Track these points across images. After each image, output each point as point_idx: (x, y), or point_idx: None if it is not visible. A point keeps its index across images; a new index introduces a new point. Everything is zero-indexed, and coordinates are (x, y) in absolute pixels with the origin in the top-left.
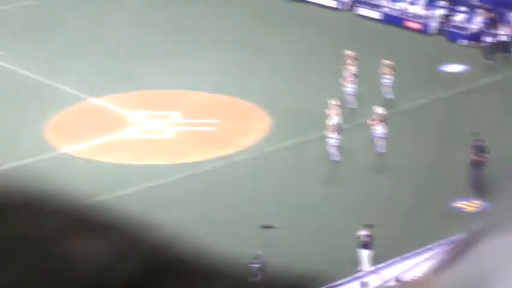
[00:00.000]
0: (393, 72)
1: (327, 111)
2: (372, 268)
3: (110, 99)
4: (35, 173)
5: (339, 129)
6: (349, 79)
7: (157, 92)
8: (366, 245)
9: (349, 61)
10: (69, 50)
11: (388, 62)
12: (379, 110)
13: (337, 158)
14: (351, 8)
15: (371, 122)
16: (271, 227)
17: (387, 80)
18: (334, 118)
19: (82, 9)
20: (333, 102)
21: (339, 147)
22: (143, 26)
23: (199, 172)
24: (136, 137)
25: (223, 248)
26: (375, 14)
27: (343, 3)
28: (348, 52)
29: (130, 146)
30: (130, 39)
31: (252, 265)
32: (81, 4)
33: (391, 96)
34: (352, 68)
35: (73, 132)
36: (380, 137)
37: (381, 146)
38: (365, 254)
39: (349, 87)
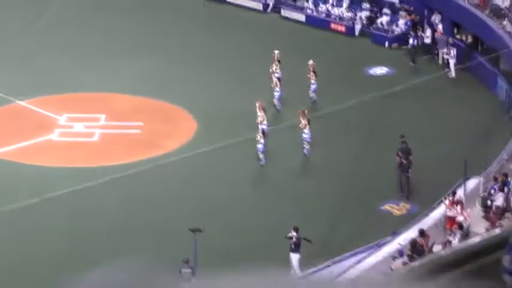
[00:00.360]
0: (317, 75)
1: (256, 114)
2: (302, 273)
3: (35, 101)
4: None
5: (264, 133)
6: (275, 82)
7: (83, 94)
8: (295, 248)
9: (274, 64)
10: None
11: (312, 63)
12: (305, 113)
13: (263, 162)
14: (276, 10)
15: (298, 126)
16: (199, 230)
17: (312, 83)
18: (259, 122)
19: (5, 9)
20: (258, 105)
21: (264, 151)
22: (70, 28)
23: (125, 175)
24: (62, 139)
25: (151, 252)
26: (299, 16)
27: (268, 5)
28: (274, 54)
29: (56, 149)
30: (56, 41)
31: (183, 269)
32: (5, 3)
33: (315, 98)
34: (277, 71)
35: None
36: (306, 141)
37: (306, 149)
38: (295, 258)
39: (275, 91)
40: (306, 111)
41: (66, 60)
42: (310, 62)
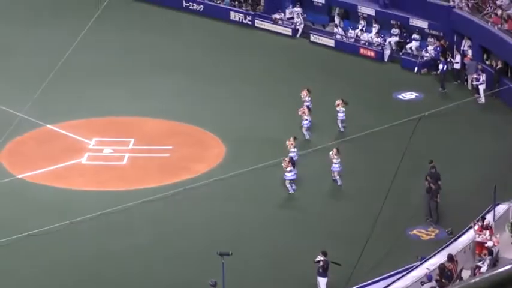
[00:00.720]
0: (345, 105)
1: (286, 144)
2: None
3: (65, 125)
4: None
5: (293, 162)
6: (306, 111)
7: (112, 118)
8: (322, 272)
9: (304, 94)
10: (23, 74)
11: (340, 102)
12: (335, 146)
13: (292, 191)
14: (305, 35)
15: (330, 155)
16: (227, 254)
17: (340, 113)
18: (289, 151)
19: (33, 32)
20: (291, 139)
21: (293, 181)
22: (95, 50)
23: (154, 198)
24: (92, 163)
25: (180, 275)
26: (329, 41)
27: (297, 30)
28: (304, 87)
29: (86, 172)
30: (84, 64)
31: None
32: (32, 27)
33: (343, 129)
34: (307, 100)
35: (29, 159)
36: (336, 170)
37: (337, 178)
38: (322, 282)
39: (304, 119)
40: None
41: (95, 82)
42: (338, 101)
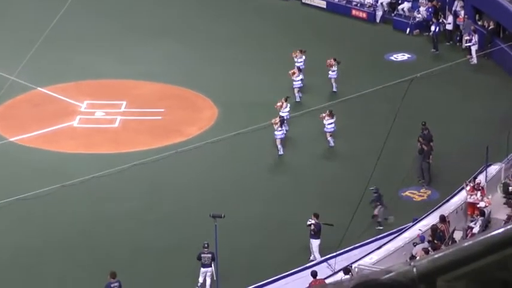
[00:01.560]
0: (338, 64)
1: (277, 105)
2: (322, 257)
3: (56, 88)
4: None
5: (283, 122)
6: (296, 72)
7: (103, 81)
8: (314, 234)
9: (296, 54)
10: (13, 38)
11: (332, 60)
12: (327, 109)
13: (281, 152)
14: None
15: (320, 116)
16: (220, 216)
17: (332, 72)
18: (280, 111)
19: None
20: (281, 97)
21: (283, 140)
22: (89, 14)
23: (146, 161)
24: (83, 126)
25: (172, 237)
26: (320, 3)
27: None
28: (295, 50)
29: (78, 135)
30: (75, 27)
31: (203, 254)
32: None
33: (335, 89)
34: (299, 61)
35: (21, 122)
36: (329, 131)
37: (330, 139)
38: (315, 244)
39: (296, 80)
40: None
41: (86, 46)
42: (329, 61)
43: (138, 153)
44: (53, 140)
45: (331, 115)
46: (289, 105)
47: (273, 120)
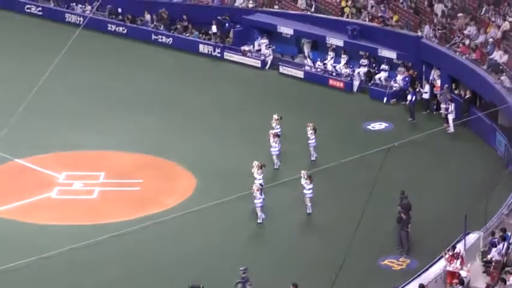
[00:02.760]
0: (316, 131)
1: (251, 170)
2: None
3: (33, 159)
4: None
5: (262, 190)
6: (274, 139)
7: (82, 152)
8: None
9: (273, 122)
10: None
11: (310, 125)
12: (305, 172)
13: (261, 220)
14: (274, 66)
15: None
16: (199, 287)
17: (311, 140)
18: (257, 179)
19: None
20: (257, 162)
21: (262, 208)
22: (65, 87)
23: (124, 232)
24: (61, 197)
25: None
26: (298, 73)
27: (266, 62)
28: (274, 115)
29: (56, 207)
30: (52, 99)
31: None
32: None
33: (313, 156)
34: (276, 128)
35: None
36: (309, 197)
37: (309, 206)
38: None
39: (274, 148)
40: (305, 171)
41: (63, 118)
42: (309, 124)
43: (117, 224)
44: (30, 212)
45: (310, 180)
46: (263, 172)
47: (254, 187)
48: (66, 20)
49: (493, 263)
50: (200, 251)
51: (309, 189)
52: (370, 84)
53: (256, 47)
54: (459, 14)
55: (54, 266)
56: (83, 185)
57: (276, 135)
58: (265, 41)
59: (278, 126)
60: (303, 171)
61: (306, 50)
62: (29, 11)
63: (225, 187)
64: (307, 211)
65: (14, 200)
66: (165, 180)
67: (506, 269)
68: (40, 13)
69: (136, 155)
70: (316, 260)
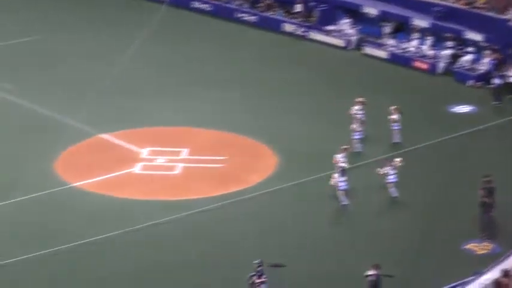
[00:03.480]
0: (401, 115)
1: (335, 155)
2: None
3: (118, 134)
4: (43, 207)
5: (345, 172)
6: (357, 123)
7: (165, 128)
8: (374, 286)
9: (357, 105)
10: (76, 85)
11: (394, 106)
12: (394, 158)
13: (345, 202)
14: (358, 47)
15: (379, 170)
16: (280, 266)
17: (395, 123)
18: (341, 161)
19: (86, 45)
20: (341, 145)
21: (346, 191)
22: (150, 63)
23: (207, 209)
24: (144, 172)
25: (231, 285)
26: (381, 54)
27: (350, 42)
28: (357, 98)
29: (138, 182)
30: (137, 76)
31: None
32: (85, 40)
33: (398, 140)
34: (359, 112)
35: (82, 167)
36: (391, 182)
37: (393, 190)
38: None
39: (357, 131)
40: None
41: (148, 93)
42: (394, 106)
43: (199, 200)
44: (114, 186)
45: (392, 165)
46: (346, 155)
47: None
48: None
49: None
50: (281, 230)
51: (392, 174)
52: (454, 66)
53: (341, 27)
54: None
55: (135, 241)
56: (166, 161)
57: (360, 119)
58: (348, 20)
59: (361, 111)
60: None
61: (388, 30)
62: None
63: (306, 166)
64: (392, 195)
65: (98, 174)
66: (247, 158)
67: None
68: None
69: (219, 132)
70: (398, 243)
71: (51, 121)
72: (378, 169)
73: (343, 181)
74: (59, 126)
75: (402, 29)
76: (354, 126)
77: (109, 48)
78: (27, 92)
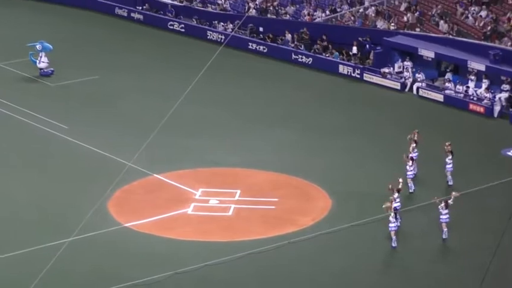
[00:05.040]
0: (454, 156)
1: (388, 196)
2: None
3: (172, 175)
4: (95, 246)
5: (397, 213)
6: (410, 162)
7: (219, 169)
8: None
9: (410, 145)
10: (131, 124)
11: (448, 147)
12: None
13: (395, 244)
14: (414, 89)
15: (436, 200)
16: None
17: (448, 165)
18: (393, 202)
19: (141, 84)
20: (392, 185)
21: (396, 231)
22: (204, 102)
23: (259, 250)
24: (197, 213)
25: None
26: (437, 96)
27: (406, 84)
28: (410, 135)
29: (192, 223)
30: (191, 115)
31: None
32: (140, 79)
33: (451, 181)
34: (413, 152)
35: (135, 207)
36: (444, 222)
37: (444, 231)
38: None
39: (409, 171)
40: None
41: (202, 134)
42: (447, 143)
43: (252, 242)
44: (166, 227)
45: (446, 205)
46: (399, 195)
47: (386, 205)
48: (208, 37)
49: None
50: (331, 272)
51: (445, 214)
52: (511, 109)
53: (397, 69)
54: None
55: (188, 282)
56: (219, 202)
57: (412, 158)
58: (408, 63)
59: (415, 150)
60: (438, 198)
61: (448, 74)
62: (172, 27)
63: (360, 209)
64: (443, 236)
65: (151, 214)
66: (300, 200)
67: None
68: (182, 30)
69: (271, 173)
70: (451, 286)
71: (106, 160)
72: (435, 198)
73: (395, 222)
74: (113, 165)
75: (458, 72)
76: (408, 166)
77: (164, 87)
78: (82, 131)
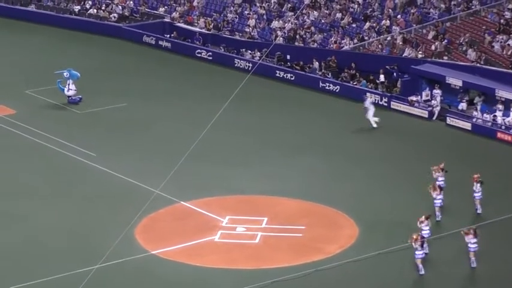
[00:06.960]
0: (482, 185)
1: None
2: None
3: (199, 202)
4: (122, 274)
5: (424, 241)
6: (437, 191)
7: (245, 197)
8: None
9: (437, 173)
10: (159, 151)
11: (477, 176)
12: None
13: (422, 272)
14: (441, 117)
15: (464, 233)
16: None
17: (477, 193)
18: (423, 230)
19: (168, 111)
20: (421, 216)
21: (423, 260)
22: (231, 129)
23: (285, 278)
24: (224, 241)
25: None
26: (465, 124)
27: (433, 112)
28: (437, 165)
29: (219, 250)
30: (219, 142)
31: None
32: (167, 106)
33: (479, 210)
34: (441, 180)
35: (162, 234)
36: (473, 251)
37: (472, 260)
38: None
39: (437, 199)
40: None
41: (228, 161)
42: (476, 175)
43: (279, 270)
44: (194, 254)
45: (475, 234)
46: (429, 223)
47: (413, 236)
48: (235, 65)
49: None
50: None
51: (474, 242)
52: None
53: (424, 97)
54: None
55: None
56: (246, 230)
57: (439, 187)
58: (438, 91)
59: (442, 178)
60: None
61: (478, 102)
62: (199, 55)
63: (387, 237)
64: (472, 265)
65: (177, 241)
66: (327, 228)
67: None
68: (210, 58)
69: (298, 201)
70: None
71: (134, 187)
72: (462, 231)
73: (421, 250)
74: (141, 192)
75: (486, 100)
76: (435, 194)
77: (191, 115)
78: (110, 158)
